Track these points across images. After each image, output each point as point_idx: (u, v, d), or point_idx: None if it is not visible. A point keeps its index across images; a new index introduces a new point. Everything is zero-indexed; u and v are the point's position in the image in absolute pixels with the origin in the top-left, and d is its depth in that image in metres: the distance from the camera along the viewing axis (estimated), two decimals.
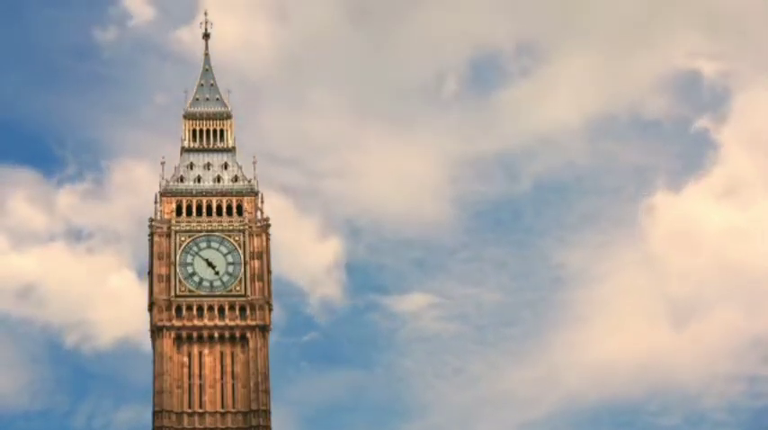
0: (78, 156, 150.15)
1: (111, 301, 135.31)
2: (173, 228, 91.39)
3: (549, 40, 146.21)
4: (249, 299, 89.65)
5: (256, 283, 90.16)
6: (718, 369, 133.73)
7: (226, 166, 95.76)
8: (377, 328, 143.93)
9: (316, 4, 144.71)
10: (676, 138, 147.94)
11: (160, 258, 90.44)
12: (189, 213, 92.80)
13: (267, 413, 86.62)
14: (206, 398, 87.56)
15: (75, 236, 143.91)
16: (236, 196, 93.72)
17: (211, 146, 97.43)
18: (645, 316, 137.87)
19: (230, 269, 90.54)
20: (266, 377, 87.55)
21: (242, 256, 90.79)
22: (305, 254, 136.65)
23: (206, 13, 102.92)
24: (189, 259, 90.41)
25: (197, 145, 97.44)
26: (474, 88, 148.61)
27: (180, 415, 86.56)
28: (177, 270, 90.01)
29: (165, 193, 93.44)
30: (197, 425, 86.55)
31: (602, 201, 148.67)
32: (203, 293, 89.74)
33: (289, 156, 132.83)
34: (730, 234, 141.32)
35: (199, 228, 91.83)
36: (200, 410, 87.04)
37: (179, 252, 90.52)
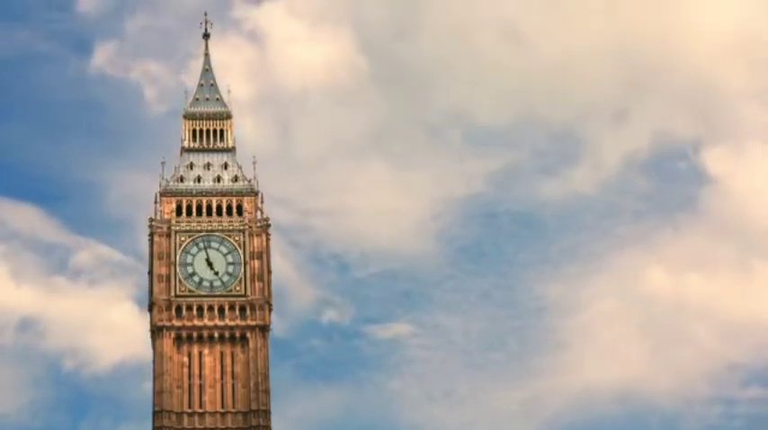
0: (79, 195, 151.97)
1: (110, 330, 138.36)
2: (173, 228, 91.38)
3: None
4: (249, 299, 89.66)
5: (256, 283, 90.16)
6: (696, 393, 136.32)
7: (226, 166, 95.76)
8: (365, 353, 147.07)
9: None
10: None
11: (160, 258, 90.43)
12: (189, 213, 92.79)
13: (267, 413, 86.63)
14: (206, 398, 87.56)
15: (77, 271, 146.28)
16: (236, 196, 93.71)
17: (211, 146, 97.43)
18: (623, 342, 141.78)
19: (230, 269, 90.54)
20: (266, 377, 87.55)
21: (242, 256, 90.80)
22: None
23: (206, 14, 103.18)
24: (189, 259, 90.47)
25: (197, 145, 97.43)
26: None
27: (180, 415, 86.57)
28: (177, 270, 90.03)
29: (165, 193, 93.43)
30: (197, 425, 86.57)
31: (579, 236, 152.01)
32: (203, 293, 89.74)
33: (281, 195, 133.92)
34: None
35: (199, 228, 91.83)
36: (200, 410, 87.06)
37: (179, 252, 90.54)
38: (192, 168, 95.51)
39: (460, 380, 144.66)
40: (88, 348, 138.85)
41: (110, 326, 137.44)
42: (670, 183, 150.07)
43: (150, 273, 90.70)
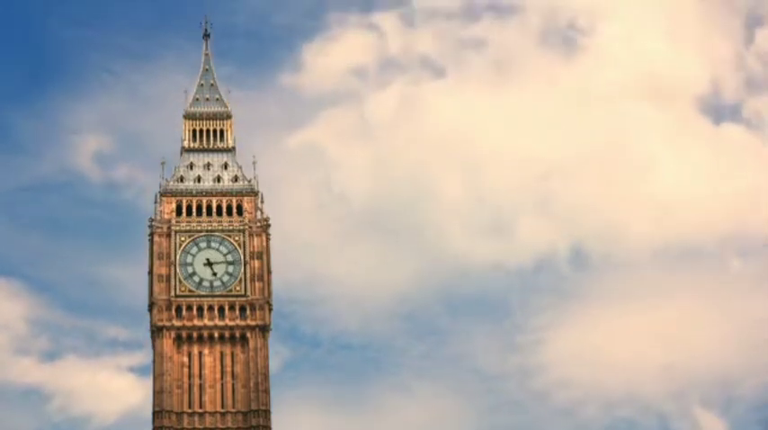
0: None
1: (110, 398, 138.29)
2: (173, 228, 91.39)
3: None
4: (249, 299, 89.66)
5: (256, 283, 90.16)
6: None
7: (226, 166, 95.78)
8: None
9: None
10: None
11: (160, 258, 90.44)
12: (189, 213, 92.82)
13: (267, 413, 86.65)
14: (206, 398, 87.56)
15: (80, 345, 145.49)
16: (236, 196, 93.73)
17: (211, 146, 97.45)
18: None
19: (230, 269, 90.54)
20: (266, 377, 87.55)
21: (242, 256, 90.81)
22: None
23: (206, 14, 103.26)
24: (189, 259, 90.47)
25: (197, 145, 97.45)
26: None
27: (180, 415, 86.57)
28: (177, 270, 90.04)
29: (165, 193, 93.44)
30: (197, 425, 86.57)
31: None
32: (203, 293, 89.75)
33: None
34: None
35: (199, 228, 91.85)
36: (200, 410, 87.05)
37: (179, 252, 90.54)
38: (191, 168, 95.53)
39: None
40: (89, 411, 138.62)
41: (110, 393, 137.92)
42: None
43: (150, 272, 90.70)
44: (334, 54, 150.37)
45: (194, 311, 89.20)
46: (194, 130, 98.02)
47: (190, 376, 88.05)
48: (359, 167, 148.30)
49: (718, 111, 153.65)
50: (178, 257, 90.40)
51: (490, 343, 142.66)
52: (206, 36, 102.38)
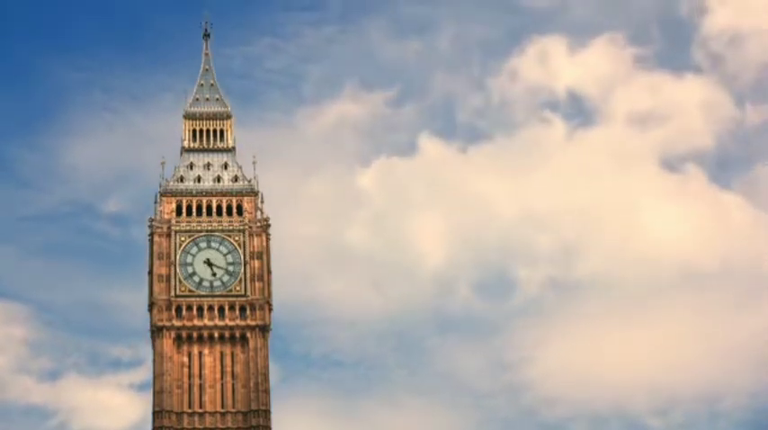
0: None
1: (111, 415, 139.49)
2: (173, 228, 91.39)
3: None
4: (249, 299, 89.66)
5: (256, 283, 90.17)
6: None
7: (226, 166, 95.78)
8: None
9: None
10: None
11: (160, 258, 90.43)
12: (189, 213, 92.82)
13: (267, 413, 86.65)
14: (206, 398, 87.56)
15: (81, 364, 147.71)
16: (236, 196, 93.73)
17: (211, 146, 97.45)
18: None
19: (230, 269, 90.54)
20: (266, 377, 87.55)
21: (242, 256, 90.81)
22: None
23: (206, 13, 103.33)
24: (189, 259, 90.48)
25: (197, 145, 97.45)
26: None
27: (180, 415, 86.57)
28: (177, 270, 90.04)
29: (165, 193, 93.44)
30: (197, 425, 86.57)
31: None
32: (203, 293, 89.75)
33: None
34: None
35: (199, 228, 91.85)
36: (200, 410, 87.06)
37: (179, 252, 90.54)
38: (191, 168, 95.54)
39: None
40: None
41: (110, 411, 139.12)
42: None
43: (150, 273, 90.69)
44: None
45: (194, 311, 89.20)
46: (194, 130, 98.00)
47: (190, 376, 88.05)
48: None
49: None
50: (178, 257, 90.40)
51: (479, 361, 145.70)
52: (206, 36, 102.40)
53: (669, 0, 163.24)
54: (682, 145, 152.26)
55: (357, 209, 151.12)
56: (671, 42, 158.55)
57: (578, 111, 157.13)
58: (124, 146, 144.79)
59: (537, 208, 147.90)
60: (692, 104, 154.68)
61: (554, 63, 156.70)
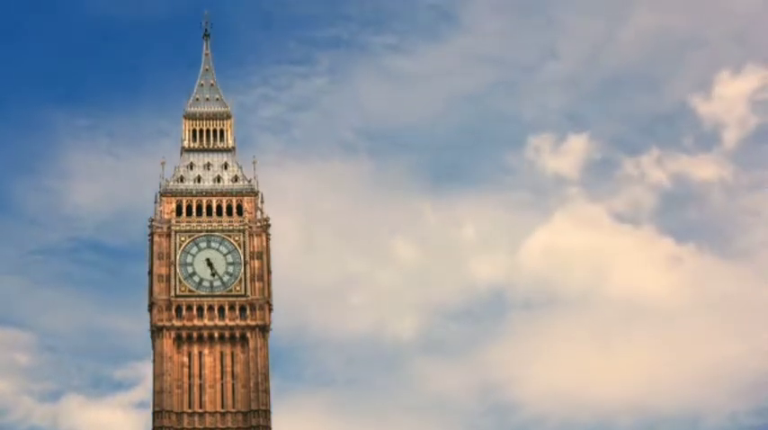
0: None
1: None
2: (173, 228, 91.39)
3: None
4: (249, 299, 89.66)
5: (256, 283, 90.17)
6: None
7: (226, 166, 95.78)
8: None
9: None
10: None
11: (160, 258, 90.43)
12: (189, 213, 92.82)
13: (267, 413, 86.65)
14: (206, 398, 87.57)
15: (82, 385, 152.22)
16: (236, 196, 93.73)
17: (211, 146, 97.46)
18: None
19: (230, 269, 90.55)
20: (266, 377, 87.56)
21: (242, 256, 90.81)
22: None
23: (206, 13, 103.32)
24: (189, 259, 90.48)
25: (197, 145, 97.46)
26: None
27: (180, 415, 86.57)
28: (177, 270, 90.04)
29: (165, 193, 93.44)
30: (197, 425, 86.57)
31: None
32: (203, 293, 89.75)
33: None
34: None
35: (199, 228, 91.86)
36: (200, 410, 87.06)
37: (179, 252, 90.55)
38: (191, 168, 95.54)
39: None
40: None
41: None
42: None
43: (150, 273, 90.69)
44: None
45: (194, 311, 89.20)
46: (194, 130, 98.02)
47: (190, 376, 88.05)
48: None
49: None
50: (178, 257, 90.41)
51: (467, 381, 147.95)
52: (206, 36, 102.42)
53: None
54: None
55: None
56: None
57: None
58: (124, 187, 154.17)
59: None
60: None
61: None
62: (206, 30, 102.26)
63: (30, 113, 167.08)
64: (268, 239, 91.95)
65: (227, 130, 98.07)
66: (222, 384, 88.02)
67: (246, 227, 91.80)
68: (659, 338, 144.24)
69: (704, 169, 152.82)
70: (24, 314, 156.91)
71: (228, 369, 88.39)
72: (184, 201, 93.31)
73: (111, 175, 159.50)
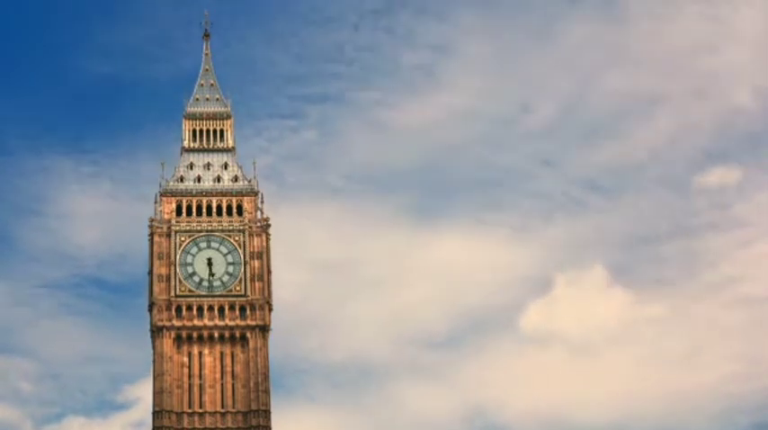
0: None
1: None
2: (173, 228, 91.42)
3: None
4: (249, 299, 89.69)
5: (256, 283, 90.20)
6: None
7: (226, 166, 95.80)
8: None
9: None
10: None
11: (160, 258, 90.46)
12: (189, 213, 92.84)
13: (267, 413, 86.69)
14: (206, 398, 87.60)
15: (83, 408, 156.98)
16: (236, 196, 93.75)
17: (211, 146, 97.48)
18: None
19: (230, 269, 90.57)
20: (266, 377, 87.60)
21: (242, 256, 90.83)
22: None
23: (206, 13, 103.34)
24: (189, 259, 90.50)
25: (197, 145, 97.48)
26: None
27: (180, 415, 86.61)
28: (177, 270, 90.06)
29: (165, 193, 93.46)
30: (197, 425, 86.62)
31: None
32: (203, 293, 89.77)
33: None
34: None
35: (199, 228, 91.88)
36: (200, 410, 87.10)
37: (179, 252, 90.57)
38: (192, 168, 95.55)
39: None
40: None
41: None
42: None
43: (150, 272, 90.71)
44: None
45: (194, 311, 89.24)
46: (194, 130, 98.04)
47: (190, 376, 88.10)
48: None
49: None
50: (178, 257, 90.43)
51: (453, 402, 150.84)
52: (206, 36, 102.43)
53: None
54: None
55: None
56: None
57: None
58: (124, 228, 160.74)
59: None
60: None
61: None
62: (206, 30, 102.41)
63: (29, 159, 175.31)
64: (268, 239, 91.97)
65: (227, 130, 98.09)
66: (222, 384, 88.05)
67: (246, 227, 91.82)
68: (641, 361, 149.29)
69: None
70: (30, 343, 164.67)
71: (228, 369, 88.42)
72: (184, 201, 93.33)
73: (113, 218, 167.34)
